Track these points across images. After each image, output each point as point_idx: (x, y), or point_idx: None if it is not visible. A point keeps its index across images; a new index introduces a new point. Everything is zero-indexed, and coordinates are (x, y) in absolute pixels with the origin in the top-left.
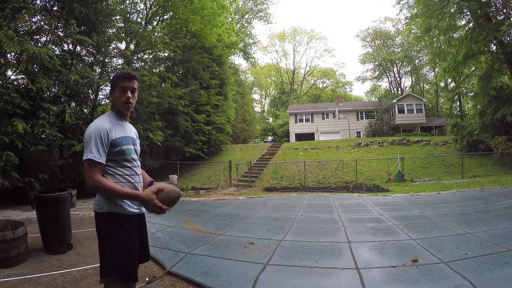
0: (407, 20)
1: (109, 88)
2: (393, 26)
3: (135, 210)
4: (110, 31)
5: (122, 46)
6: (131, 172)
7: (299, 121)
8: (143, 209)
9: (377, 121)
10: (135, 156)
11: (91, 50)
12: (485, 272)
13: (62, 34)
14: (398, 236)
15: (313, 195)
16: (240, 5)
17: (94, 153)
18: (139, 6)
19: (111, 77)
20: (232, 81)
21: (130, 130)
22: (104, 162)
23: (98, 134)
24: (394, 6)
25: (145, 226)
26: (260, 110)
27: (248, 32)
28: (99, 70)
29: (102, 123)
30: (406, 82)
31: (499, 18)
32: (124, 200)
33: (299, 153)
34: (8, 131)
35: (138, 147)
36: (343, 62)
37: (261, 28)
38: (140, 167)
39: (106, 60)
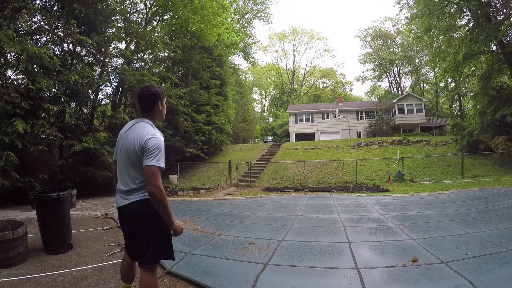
0: (407, 20)
1: (155, 100)
2: (393, 26)
3: None
4: (110, 31)
5: (122, 46)
6: None
7: (299, 121)
8: None
9: (377, 121)
10: None
11: (91, 50)
12: (485, 272)
13: (62, 34)
14: (398, 236)
15: (313, 195)
16: (240, 5)
17: (163, 164)
18: (139, 6)
19: (158, 90)
20: (232, 81)
21: None
22: None
23: (163, 148)
24: (394, 6)
25: None
26: (260, 110)
27: (248, 32)
28: (99, 70)
29: (162, 138)
30: (406, 82)
31: (499, 18)
32: None
33: (299, 153)
34: (8, 131)
35: None
36: (343, 62)
37: (261, 28)
38: None
39: (106, 60)
